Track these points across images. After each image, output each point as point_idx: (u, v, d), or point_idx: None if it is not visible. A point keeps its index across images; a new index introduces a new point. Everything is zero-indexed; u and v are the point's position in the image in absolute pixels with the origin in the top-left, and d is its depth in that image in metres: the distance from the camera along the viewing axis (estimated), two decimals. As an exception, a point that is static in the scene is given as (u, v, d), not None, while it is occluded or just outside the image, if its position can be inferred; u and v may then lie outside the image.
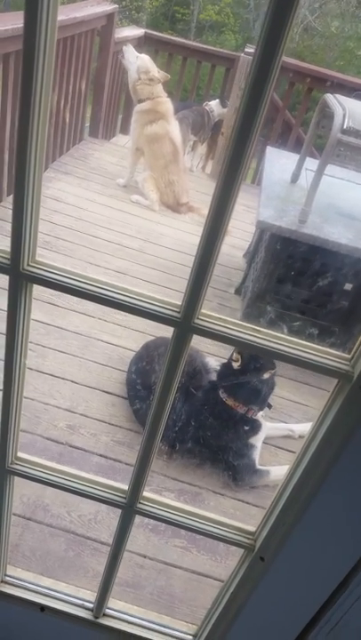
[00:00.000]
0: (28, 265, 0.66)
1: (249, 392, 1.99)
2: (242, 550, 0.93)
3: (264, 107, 0.53)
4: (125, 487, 0.89)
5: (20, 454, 0.91)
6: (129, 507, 0.88)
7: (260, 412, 2.06)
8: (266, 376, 1.99)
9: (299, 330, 2.60)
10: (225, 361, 2.12)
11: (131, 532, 0.98)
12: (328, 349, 0.66)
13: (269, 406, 2.09)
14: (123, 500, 0.89)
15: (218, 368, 2.24)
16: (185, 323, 0.65)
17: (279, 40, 0.50)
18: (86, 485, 0.89)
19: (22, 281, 0.67)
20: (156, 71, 3.89)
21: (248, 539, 0.89)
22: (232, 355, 2.01)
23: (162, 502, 0.90)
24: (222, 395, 2.02)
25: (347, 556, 0.86)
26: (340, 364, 0.68)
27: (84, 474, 0.90)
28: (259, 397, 2.00)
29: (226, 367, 2.06)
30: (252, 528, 0.89)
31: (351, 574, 0.90)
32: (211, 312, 0.67)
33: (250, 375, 1.96)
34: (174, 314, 0.65)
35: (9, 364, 0.76)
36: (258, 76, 0.51)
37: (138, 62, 3.88)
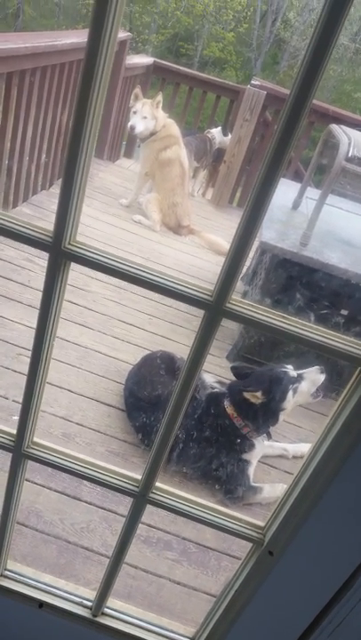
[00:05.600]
0: (69, 244, 0.69)
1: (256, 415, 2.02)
2: (248, 547, 0.94)
3: (293, 144, 0.58)
4: (138, 477, 0.91)
5: (36, 439, 0.92)
6: (142, 496, 0.89)
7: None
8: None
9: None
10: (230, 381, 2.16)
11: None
12: (352, 339, 0.69)
13: (269, 436, 2.10)
14: (135, 489, 0.90)
15: (215, 385, 2.27)
16: (217, 306, 0.68)
17: (313, 85, 0.55)
18: (100, 472, 0.91)
19: (62, 259, 0.70)
20: (155, 109, 3.94)
21: (258, 533, 0.90)
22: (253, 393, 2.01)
23: (174, 493, 0.91)
24: (226, 403, 2.05)
25: (354, 554, 0.87)
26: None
27: (98, 461, 0.91)
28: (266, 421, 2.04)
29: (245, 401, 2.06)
30: (261, 523, 0.91)
31: (356, 573, 0.91)
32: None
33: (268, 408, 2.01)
34: (207, 297, 0.68)
35: (38, 344, 0.78)
36: (290, 119, 0.57)
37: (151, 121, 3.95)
